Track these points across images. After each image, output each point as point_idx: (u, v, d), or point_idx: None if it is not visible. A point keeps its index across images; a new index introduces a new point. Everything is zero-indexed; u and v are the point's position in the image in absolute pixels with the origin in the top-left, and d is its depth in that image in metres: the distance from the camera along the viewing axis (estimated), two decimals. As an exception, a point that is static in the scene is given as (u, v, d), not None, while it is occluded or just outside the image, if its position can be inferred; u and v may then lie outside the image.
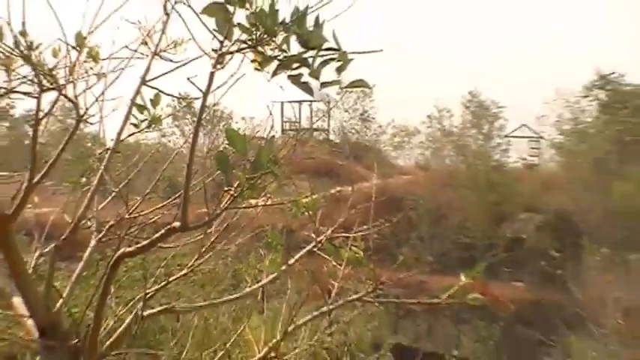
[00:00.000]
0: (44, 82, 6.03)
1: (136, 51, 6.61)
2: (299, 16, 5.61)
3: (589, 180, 63.27)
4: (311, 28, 5.47)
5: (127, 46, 6.66)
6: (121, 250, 6.18)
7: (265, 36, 5.58)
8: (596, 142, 67.23)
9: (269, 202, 6.64)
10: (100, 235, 6.98)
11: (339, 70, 5.67)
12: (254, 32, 5.57)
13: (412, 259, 47.62)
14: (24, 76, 6.11)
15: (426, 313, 45.98)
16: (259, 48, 5.61)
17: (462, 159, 72.01)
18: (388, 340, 29.38)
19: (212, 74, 5.73)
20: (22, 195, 5.90)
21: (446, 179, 65.17)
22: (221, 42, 5.62)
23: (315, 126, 73.56)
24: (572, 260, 50.69)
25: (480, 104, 78.54)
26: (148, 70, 6.48)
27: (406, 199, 58.33)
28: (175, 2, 6.17)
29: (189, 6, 5.69)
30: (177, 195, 6.76)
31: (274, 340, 7.57)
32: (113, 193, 7.29)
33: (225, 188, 6.09)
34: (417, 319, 45.12)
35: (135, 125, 6.78)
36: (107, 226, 7.10)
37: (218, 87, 5.78)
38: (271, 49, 5.63)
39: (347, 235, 7.55)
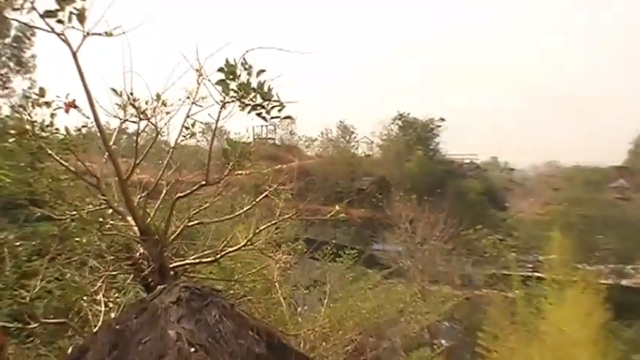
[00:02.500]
0: (141, 115, 10.06)
1: (183, 100, 10.33)
2: (260, 84, 9.69)
3: (394, 161, 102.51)
4: (266, 89, 9.84)
5: (179, 99, 10.31)
6: (179, 195, 10.26)
7: (244, 94, 9.71)
8: (396, 145, 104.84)
9: (247, 172, 11.03)
10: (169, 187, 10.72)
11: (279, 110, 10.03)
12: (239, 93, 9.70)
13: (313, 199, 53.80)
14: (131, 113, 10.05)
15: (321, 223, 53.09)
16: (242, 100, 9.81)
17: (336, 151, 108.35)
18: (303, 236, 33.12)
19: (220, 112, 9.81)
20: (131, 170, 9.81)
21: (329, 161, 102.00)
22: (223, 97, 9.71)
23: (269, 136, 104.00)
24: (387, 199, 72.54)
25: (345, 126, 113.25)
26: (189, 110, 10.19)
27: (310, 171, 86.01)
28: (201, 78, 9.98)
29: (209, 80, 9.70)
30: (204, 169, 10.37)
31: (250, 236, 11.93)
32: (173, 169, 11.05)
33: (227, 165, 10.36)
34: (315, 226, 51.29)
35: (184, 136, 10.59)
36: (171, 184, 10.75)
37: (224, 118, 9.87)
38: (247, 100, 9.83)
39: (283, 187, 12.02)
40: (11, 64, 43.95)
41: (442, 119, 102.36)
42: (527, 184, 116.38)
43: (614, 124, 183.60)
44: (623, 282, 71.09)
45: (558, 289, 25.25)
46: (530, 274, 33.04)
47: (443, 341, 48.86)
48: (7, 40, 43.12)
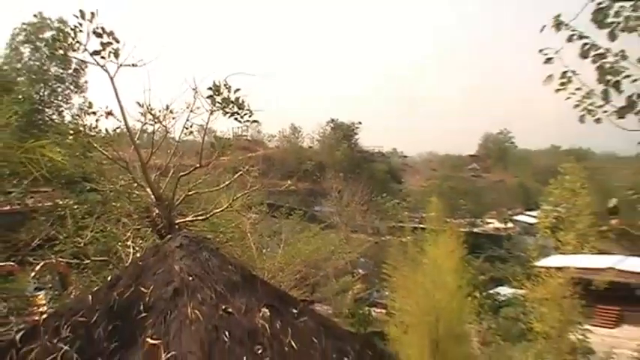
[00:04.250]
0: (155, 120, 10.07)
1: (184, 109, 10.33)
2: (236, 99, 9.69)
3: (327, 151, 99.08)
4: (240, 101, 9.82)
5: (182, 109, 10.34)
6: (181, 174, 10.29)
7: (225, 105, 9.73)
8: (329, 140, 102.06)
9: (228, 158, 11.01)
10: (174, 169, 10.69)
11: (249, 116, 10.00)
12: (222, 104, 9.76)
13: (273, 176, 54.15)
14: (149, 119, 10.06)
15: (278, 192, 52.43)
16: (224, 109, 9.82)
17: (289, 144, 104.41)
18: (266, 201, 32.79)
19: (209, 117, 9.89)
20: (149, 157, 9.81)
21: (284, 151, 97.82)
22: (211, 107, 9.75)
23: (243, 133, 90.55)
24: (323, 176, 78.34)
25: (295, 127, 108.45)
26: (188, 116, 10.23)
27: (271, 157, 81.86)
28: (196, 94, 10.00)
29: (202, 96, 9.74)
30: (198, 156, 10.43)
31: (230, 202, 11.87)
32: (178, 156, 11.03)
33: (214, 153, 10.34)
34: (274, 194, 50.30)
35: (185, 134, 10.61)
36: (176, 166, 10.72)
37: (212, 121, 9.87)
38: (228, 109, 9.83)
39: (252, 168, 12.02)
40: (72, 87, 44.59)
41: (359, 122, 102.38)
42: (415, 166, 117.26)
43: (469, 124, 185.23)
44: (475, 229, 72.07)
45: (434, 235, 25.51)
46: (417, 225, 33.18)
47: (360, 271, 48.95)
48: (70, 71, 43.78)
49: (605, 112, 7.50)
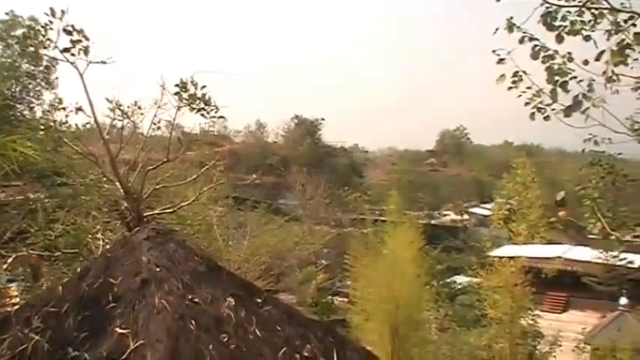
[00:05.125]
0: (124, 116, 9.96)
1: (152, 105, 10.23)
2: (203, 95, 9.64)
3: (292, 146, 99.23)
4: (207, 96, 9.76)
5: (150, 105, 10.22)
6: (149, 168, 10.15)
7: (192, 101, 9.66)
8: (293, 135, 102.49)
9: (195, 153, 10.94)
10: (143, 163, 10.55)
11: (215, 112, 9.94)
12: (189, 100, 9.69)
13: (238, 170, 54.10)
14: (118, 114, 9.95)
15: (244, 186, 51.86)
16: (191, 105, 9.76)
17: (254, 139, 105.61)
18: (232, 194, 32.62)
19: (176, 114, 9.78)
20: (118, 151, 9.69)
21: (249, 146, 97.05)
22: (179, 103, 9.67)
23: (210, 128, 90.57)
24: (287, 170, 77.92)
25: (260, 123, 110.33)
26: (156, 112, 10.11)
27: (237, 152, 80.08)
28: (164, 90, 9.89)
29: (169, 93, 9.63)
30: (166, 150, 10.34)
31: (197, 195, 11.77)
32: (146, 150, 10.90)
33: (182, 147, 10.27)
34: (240, 188, 49.48)
35: (153, 129, 10.49)
36: (144, 160, 10.59)
37: (178, 116, 9.78)
38: (194, 105, 9.77)
39: (219, 163, 11.94)
40: (43, 84, 43.97)
41: (323, 119, 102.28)
42: (376, 161, 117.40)
43: (426, 121, 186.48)
44: (432, 221, 72.74)
45: (394, 227, 25.65)
46: (377, 217, 33.32)
47: (323, 261, 49.12)
48: (41, 68, 43.20)
49: (554, 110, 7.61)
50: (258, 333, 5.63)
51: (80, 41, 8.70)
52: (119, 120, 10.15)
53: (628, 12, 7.51)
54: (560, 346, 29.41)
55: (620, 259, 44.95)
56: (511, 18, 7.51)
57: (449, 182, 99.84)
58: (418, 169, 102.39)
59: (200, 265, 6.39)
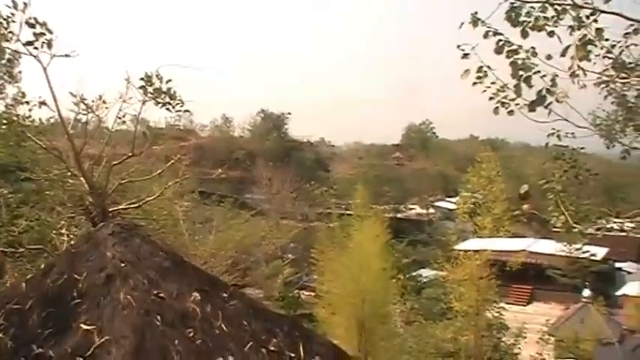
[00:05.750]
0: (89, 110, 9.84)
1: (117, 99, 10.14)
2: (168, 89, 9.59)
3: (258, 140, 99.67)
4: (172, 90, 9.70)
5: (115, 99, 10.15)
6: (114, 162, 10.09)
7: (157, 95, 9.60)
8: (260, 129, 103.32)
9: (160, 147, 10.85)
10: (108, 157, 10.48)
11: (181, 106, 9.89)
12: (154, 94, 9.62)
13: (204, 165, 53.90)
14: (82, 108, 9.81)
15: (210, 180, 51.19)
16: (156, 99, 9.70)
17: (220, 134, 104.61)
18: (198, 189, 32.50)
19: (141, 108, 9.72)
20: (82, 146, 9.64)
21: (215, 140, 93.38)
22: (144, 97, 9.59)
23: (175, 123, 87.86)
24: (254, 165, 77.10)
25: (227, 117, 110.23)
26: (120, 108, 10.06)
27: (203, 147, 73.22)
28: (128, 83, 9.81)
29: (134, 87, 9.55)
30: (131, 145, 10.27)
31: (162, 190, 11.65)
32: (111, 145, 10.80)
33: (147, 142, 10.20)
34: (206, 182, 48.86)
35: (118, 123, 10.41)
36: (110, 155, 10.53)
37: (143, 110, 9.68)
38: (159, 99, 9.70)
39: (184, 157, 11.78)
40: (5, 77, 42.80)
41: (289, 113, 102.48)
42: (342, 155, 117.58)
43: (392, 115, 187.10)
44: (398, 215, 73.01)
45: (360, 221, 25.74)
46: (344, 212, 33.41)
47: (290, 255, 49.04)
48: (3, 61, 42.03)
49: (518, 105, 7.70)
50: (224, 328, 5.62)
51: (43, 34, 8.65)
52: (83, 114, 10.11)
53: (590, 8, 7.62)
54: (525, 337, 29.78)
55: (584, 252, 45.80)
56: (475, 13, 7.57)
57: (415, 176, 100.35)
58: (384, 163, 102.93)
59: (165, 260, 6.36)
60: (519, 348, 29.83)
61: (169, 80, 9.71)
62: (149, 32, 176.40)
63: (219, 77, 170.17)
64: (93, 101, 9.99)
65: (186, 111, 10.21)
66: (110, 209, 9.38)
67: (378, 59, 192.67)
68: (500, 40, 7.51)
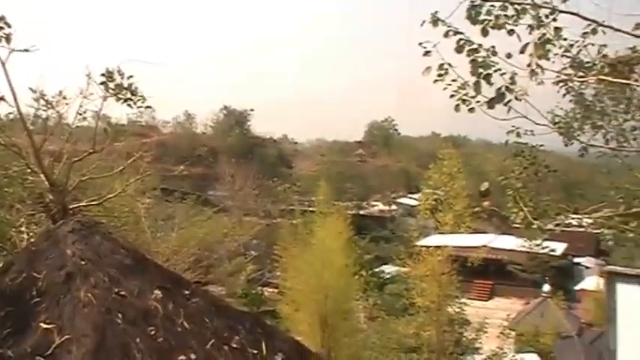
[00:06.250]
0: (49, 106, 9.71)
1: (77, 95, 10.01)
2: (129, 85, 9.50)
3: (220, 137, 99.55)
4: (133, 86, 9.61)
5: (76, 95, 10.02)
6: (75, 159, 9.96)
7: (119, 91, 9.52)
8: (222, 126, 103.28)
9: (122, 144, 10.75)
10: (68, 154, 10.34)
11: (142, 102, 9.79)
12: (115, 90, 9.53)
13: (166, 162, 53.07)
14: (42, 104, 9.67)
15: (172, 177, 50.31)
16: (117, 95, 9.61)
17: (182, 130, 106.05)
18: (160, 186, 32.37)
19: (102, 104, 9.59)
20: (42, 142, 9.48)
21: (178, 137, 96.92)
22: (105, 93, 9.49)
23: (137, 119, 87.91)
24: (216, 161, 78.30)
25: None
26: (81, 104, 9.95)
27: (166, 143, 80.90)
28: (89, 79, 9.70)
29: (95, 82, 9.44)
30: (92, 142, 10.15)
31: (123, 187, 11.56)
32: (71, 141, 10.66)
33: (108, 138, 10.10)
34: (168, 179, 48.02)
35: (79, 119, 10.28)
36: (70, 152, 10.38)
37: (104, 106, 9.59)
38: (121, 95, 9.62)
39: (146, 154, 11.64)
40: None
41: (252, 109, 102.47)
42: (305, 152, 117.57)
43: (354, 113, 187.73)
44: (361, 212, 73.32)
45: (323, 217, 25.77)
46: (306, 208, 33.37)
47: (252, 252, 48.87)
48: None
49: (478, 102, 7.78)
50: (185, 325, 5.60)
51: (2, 28, 8.45)
52: (43, 110, 9.99)
53: (549, 8, 7.73)
54: (486, 332, 30.09)
55: (543, 248, 46.50)
56: (436, 12, 7.65)
57: (377, 173, 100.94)
58: (347, 160, 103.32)
59: (127, 257, 6.31)
60: (480, 342, 30.14)
61: (131, 76, 9.62)
62: (111, 28, 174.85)
63: (182, 73, 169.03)
64: (53, 97, 9.88)
65: (148, 107, 10.14)
66: (70, 206, 9.24)
67: (340, 56, 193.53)
68: (460, 39, 7.60)
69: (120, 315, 5.23)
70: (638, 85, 9.88)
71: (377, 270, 48.58)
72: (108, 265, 5.94)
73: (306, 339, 20.01)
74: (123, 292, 5.60)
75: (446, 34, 7.54)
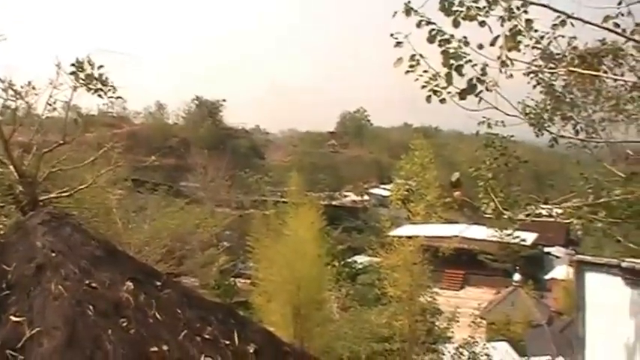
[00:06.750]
0: (17, 96, 9.56)
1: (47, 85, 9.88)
2: (100, 75, 9.39)
3: (192, 127, 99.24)
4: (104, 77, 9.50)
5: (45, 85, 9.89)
6: (45, 150, 9.84)
7: (89, 82, 9.41)
8: (194, 117, 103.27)
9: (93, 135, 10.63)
10: (37, 145, 10.22)
11: (113, 93, 9.70)
12: (86, 81, 9.42)
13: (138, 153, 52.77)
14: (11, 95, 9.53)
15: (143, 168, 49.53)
16: (88, 85, 9.49)
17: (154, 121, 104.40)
18: (132, 177, 32.30)
19: (72, 94, 9.47)
20: (11, 134, 9.37)
21: (149, 128, 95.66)
22: (75, 84, 9.38)
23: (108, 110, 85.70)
24: (188, 152, 78.71)
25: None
26: (51, 94, 9.82)
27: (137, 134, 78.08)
28: (59, 69, 9.59)
29: (65, 73, 9.32)
30: (62, 132, 10.03)
31: (94, 178, 11.44)
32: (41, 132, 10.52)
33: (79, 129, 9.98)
34: (139, 170, 47.12)
35: (48, 110, 10.13)
36: (40, 143, 10.25)
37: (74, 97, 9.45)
38: (91, 86, 9.51)
39: (117, 145, 11.51)
40: None
41: (224, 100, 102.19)
42: (277, 142, 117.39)
43: (327, 103, 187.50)
44: (333, 202, 73.39)
45: (295, 208, 25.80)
46: (279, 199, 33.39)
47: (225, 243, 48.70)
48: None
49: (449, 93, 7.81)
50: (157, 317, 5.57)
51: (-32, 19, 8.35)
52: (12, 101, 9.85)
53: (520, 0, 7.78)
54: (458, 321, 30.26)
55: (514, 237, 46.91)
56: (409, 2, 7.64)
57: (349, 163, 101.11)
58: (319, 151, 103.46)
59: (98, 249, 6.25)
60: (452, 331, 30.34)
61: (101, 66, 9.54)
62: (82, 18, 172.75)
63: (153, 64, 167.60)
64: (22, 87, 9.75)
65: (119, 97, 10.05)
66: (41, 198, 9.19)
67: (311, 47, 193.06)
68: (432, 30, 7.61)
69: (91, 307, 5.18)
70: (607, 77, 10.02)
71: (349, 260, 48.68)
72: (79, 256, 5.88)
73: (278, 329, 20.05)
74: (94, 284, 5.54)
75: (418, 24, 7.54)
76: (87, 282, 5.53)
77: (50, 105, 10.01)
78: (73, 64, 9.47)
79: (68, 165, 11.67)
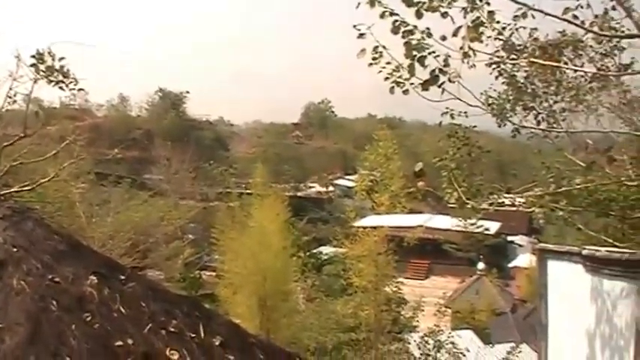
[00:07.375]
0: None
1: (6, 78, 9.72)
2: (61, 67, 9.27)
3: (156, 119, 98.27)
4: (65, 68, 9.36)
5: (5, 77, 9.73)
6: (5, 144, 9.69)
7: (50, 74, 9.27)
8: (157, 108, 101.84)
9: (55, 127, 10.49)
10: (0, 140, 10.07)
11: (75, 85, 9.56)
12: (46, 72, 9.28)
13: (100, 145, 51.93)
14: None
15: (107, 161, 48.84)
16: (49, 77, 9.36)
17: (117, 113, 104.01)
18: (95, 170, 32.09)
19: (33, 86, 9.33)
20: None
21: (111, 120, 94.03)
22: (36, 76, 9.23)
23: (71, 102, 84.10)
24: (152, 144, 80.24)
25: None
26: (11, 86, 9.67)
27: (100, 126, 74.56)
28: (19, 60, 9.44)
29: (25, 64, 9.16)
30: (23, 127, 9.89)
31: (56, 171, 11.29)
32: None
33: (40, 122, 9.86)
34: (103, 163, 46.88)
35: (8, 103, 9.97)
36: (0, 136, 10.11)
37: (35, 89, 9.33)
38: (52, 78, 9.37)
39: (80, 138, 11.37)
40: None
41: (187, 92, 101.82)
42: (242, 134, 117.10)
43: (291, 94, 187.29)
44: (298, 194, 73.52)
45: (260, 199, 25.80)
46: (243, 191, 33.28)
47: (190, 236, 48.52)
48: None
49: (412, 84, 7.85)
50: (122, 310, 5.53)
51: None
52: (-30, 94, 9.68)
53: (482, -9, 7.84)
54: (423, 310, 30.48)
55: (478, 227, 47.50)
56: (372, -8, 7.63)
57: (314, 154, 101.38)
58: (284, 142, 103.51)
59: (60, 243, 6.18)
60: (418, 321, 30.56)
61: (62, 58, 9.39)
62: (41, 9, 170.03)
63: (114, 56, 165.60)
64: (-20, 79, 9.59)
65: (81, 90, 9.89)
66: (1, 192, 9.01)
67: (274, 35, 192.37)
68: (396, 21, 7.62)
69: (54, 302, 5.13)
70: (567, 68, 10.16)
71: (315, 251, 48.88)
72: (41, 251, 5.81)
73: (244, 321, 20.08)
74: (57, 279, 5.49)
75: (382, 15, 7.54)
76: (50, 277, 5.46)
77: (10, 97, 9.82)
78: (33, 56, 9.31)
79: (30, 158, 11.48)
